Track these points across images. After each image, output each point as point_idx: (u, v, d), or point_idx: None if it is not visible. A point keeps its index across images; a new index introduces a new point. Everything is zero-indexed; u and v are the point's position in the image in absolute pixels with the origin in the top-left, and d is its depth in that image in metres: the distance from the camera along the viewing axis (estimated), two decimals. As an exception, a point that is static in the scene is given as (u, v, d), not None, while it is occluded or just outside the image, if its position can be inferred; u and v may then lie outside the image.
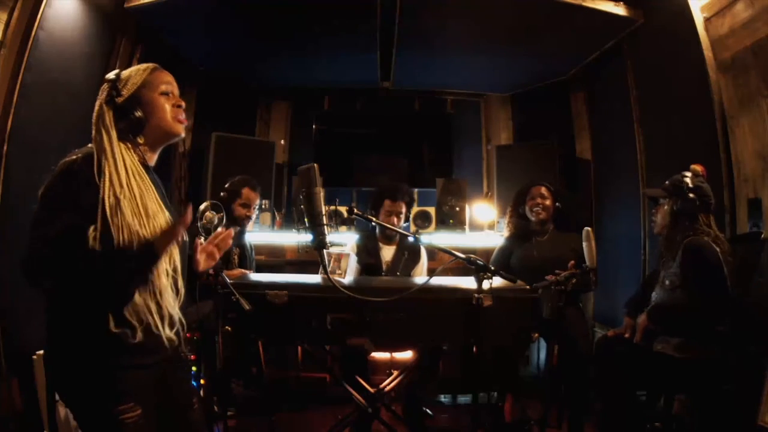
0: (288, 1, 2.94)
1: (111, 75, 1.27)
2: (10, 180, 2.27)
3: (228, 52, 3.76)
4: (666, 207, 2.24)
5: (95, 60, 2.88)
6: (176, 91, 1.34)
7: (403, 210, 2.91)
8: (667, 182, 2.27)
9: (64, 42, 2.59)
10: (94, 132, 1.24)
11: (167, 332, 1.24)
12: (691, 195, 2.15)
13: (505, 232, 3.06)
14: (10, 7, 2.27)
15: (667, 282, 2.19)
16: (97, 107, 1.25)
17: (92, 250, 1.12)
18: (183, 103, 1.35)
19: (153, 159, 1.35)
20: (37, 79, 2.38)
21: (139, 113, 1.26)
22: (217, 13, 3.09)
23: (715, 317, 2.07)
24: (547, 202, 2.85)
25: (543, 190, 2.87)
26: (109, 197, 1.15)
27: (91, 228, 1.13)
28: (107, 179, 1.17)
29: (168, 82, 1.32)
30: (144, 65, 1.32)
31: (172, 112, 1.31)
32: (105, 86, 1.26)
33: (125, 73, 1.29)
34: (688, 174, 2.21)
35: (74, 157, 1.19)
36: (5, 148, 2.25)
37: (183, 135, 1.35)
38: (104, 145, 1.20)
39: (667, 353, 2.10)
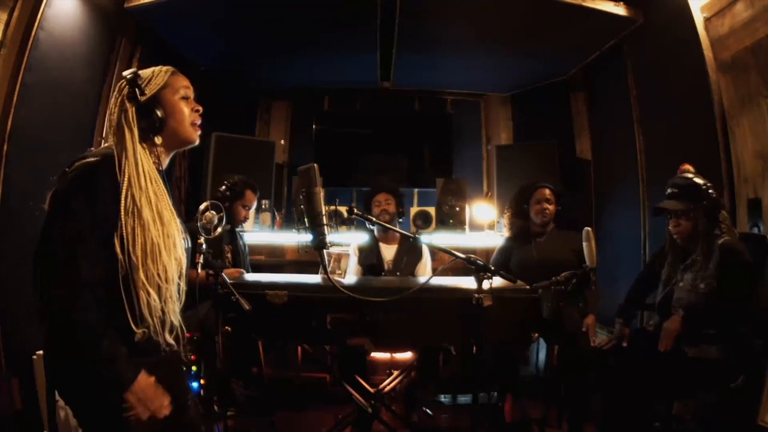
0: (288, 1, 2.95)
1: (128, 73, 1.25)
2: (10, 180, 2.26)
3: (228, 52, 3.77)
4: (693, 215, 2.15)
5: (95, 60, 2.88)
6: (193, 96, 1.35)
7: (390, 199, 2.93)
8: (674, 190, 2.19)
9: (64, 42, 2.59)
10: (115, 128, 1.22)
11: (166, 337, 1.24)
12: (712, 192, 2.12)
13: (506, 233, 3.06)
14: (10, 7, 2.27)
15: (702, 285, 2.12)
16: (119, 103, 1.23)
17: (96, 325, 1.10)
18: (201, 108, 1.35)
19: (165, 162, 1.35)
20: (37, 79, 2.38)
21: (160, 113, 1.25)
22: (217, 13, 3.10)
23: (748, 318, 2.04)
24: (552, 207, 2.85)
25: (547, 193, 2.86)
26: (127, 199, 1.14)
27: (115, 235, 1.12)
28: (127, 181, 1.15)
29: (187, 87, 1.33)
30: (164, 67, 1.32)
31: (191, 116, 1.32)
32: (124, 84, 1.24)
33: (145, 72, 1.28)
34: (690, 175, 2.19)
35: (92, 159, 1.16)
36: (5, 148, 2.25)
37: (197, 142, 1.35)
38: (126, 144, 1.19)
39: (706, 357, 2.04)
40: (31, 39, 2.33)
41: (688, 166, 2.25)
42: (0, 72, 2.24)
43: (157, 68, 1.31)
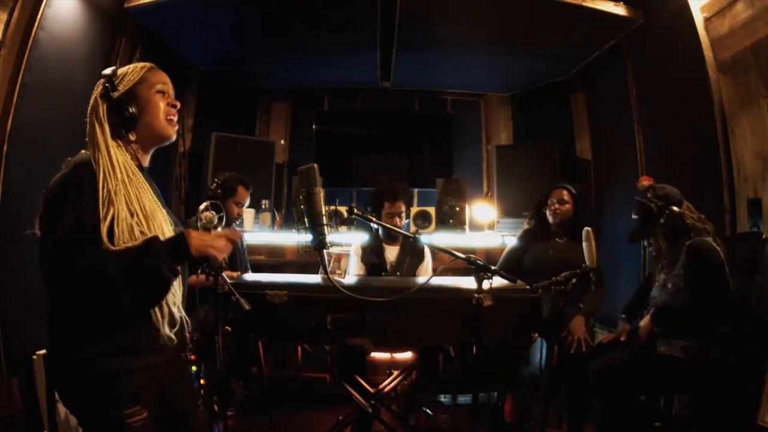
0: (288, 1, 2.95)
1: (107, 71, 1.25)
2: (10, 180, 2.26)
3: (228, 52, 3.77)
4: (653, 237, 2.31)
5: (95, 60, 2.87)
6: (172, 92, 1.33)
7: (404, 209, 2.91)
8: (634, 215, 2.35)
9: (64, 42, 2.59)
10: (88, 127, 1.22)
11: (167, 331, 1.22)
12: (672, 209, 2.19)
13: (521, 230, 3.04)
14: (10, 7, 2.27)
15: (669, 285, 2.20)
16: (91, 101, 1.24)
17: (107, 250, 1.09)
18: (178, 104, 1.33)
19: (146, 160, 1.33)
20: (37, 79, 2.38)
21: (132, 109, 1.24)
22: (216, 13, 3.09)
23: (719, 317, 2.07)
24: (566, 207, 2.79)
25: (564, 194, 2.81)
26: (104, 190, 1.13)
27: (102, 226, 1.11)
28: (102, 173, 1.15)
29: (164, 82, 1.31)
30: (141, 64, 1.31)
31: (165, 111, 1.30)
32: (101, 81, 1.25)
33: (122, 69, 1.28)
34: (648, 194, 2.28)
35: (64, 171, 1.17)
36: (5, 148, 2.25)
37: (174, 138, 1.33)
38: (97, 140, 1.19)
39: (673, 355, 2.09)
40: (31, 39, 2.32)
41: (644, 182, 2.34)
42: (0, 72, 2.24)
43: (133, 65, 1.30)
